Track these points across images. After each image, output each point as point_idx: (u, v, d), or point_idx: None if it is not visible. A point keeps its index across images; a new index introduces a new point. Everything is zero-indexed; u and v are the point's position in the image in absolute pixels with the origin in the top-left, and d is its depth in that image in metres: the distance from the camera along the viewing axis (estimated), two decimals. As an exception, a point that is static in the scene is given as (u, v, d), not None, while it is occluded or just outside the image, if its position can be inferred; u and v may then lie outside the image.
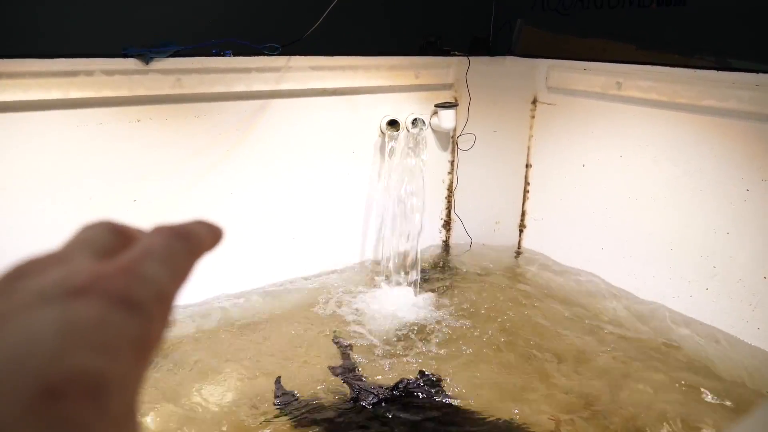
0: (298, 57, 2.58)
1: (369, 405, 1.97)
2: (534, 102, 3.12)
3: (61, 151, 2.21)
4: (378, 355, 2.33)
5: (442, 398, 2.03)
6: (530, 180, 3.25)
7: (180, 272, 0.30)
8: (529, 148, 3.21)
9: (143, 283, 0.27)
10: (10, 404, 0.21)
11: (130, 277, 0.27)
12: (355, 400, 2.00)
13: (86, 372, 0.22)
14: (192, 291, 2.61)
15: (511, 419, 1.95)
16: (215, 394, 2.06)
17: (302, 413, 1.95)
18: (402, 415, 1.93)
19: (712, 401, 2.06)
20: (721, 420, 1.96)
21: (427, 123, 3.01)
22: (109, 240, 0.31)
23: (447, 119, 3.03)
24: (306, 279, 2.93)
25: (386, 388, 2.05)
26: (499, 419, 1.94)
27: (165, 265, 0.29)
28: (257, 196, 2.70)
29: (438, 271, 3.14)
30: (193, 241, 0.33)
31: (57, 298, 0.24)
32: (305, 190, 2.83)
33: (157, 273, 0.28)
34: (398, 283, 2.96)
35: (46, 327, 0.23)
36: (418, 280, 2.96)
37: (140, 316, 0.26)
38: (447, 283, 3.00)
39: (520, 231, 3.36)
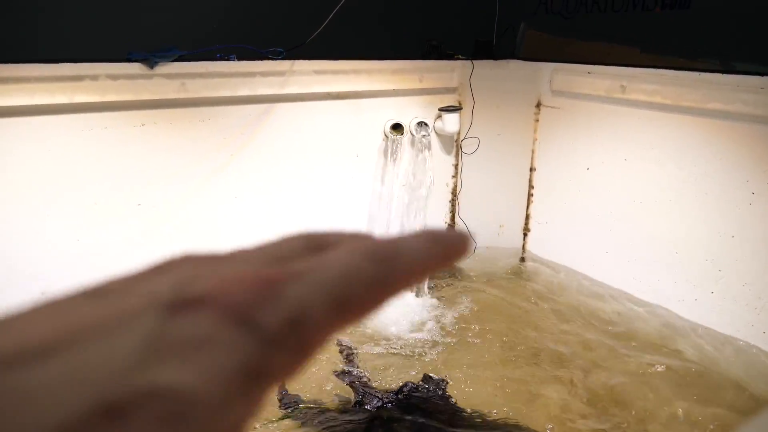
0: (302, 61, 2.58)
1: (373, 408, 1.97)
2: (538, 105, 3.12)
3: (65, 155, 2.21)
4: (382, 358, 2.33)
5: (447, 402, 2.03)
6: (534, 184, 3.24)
7: (356, 303, 0.23)
8: (533, 151, 3.20)
9: (278, 302, 0.21)
10: (61, 423, 0.17)
11: (262, 291, 0.21)
12: (359, 403, 2.00)
13: (163, 388, 0.18)
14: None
15: (517, 423, 1.94)
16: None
17: (306, 416, 1.95)
18: (406, 418, 1.92)
19: (718, 405, 2.04)
20: (726, 424, 1.95)
21: (431, 126, 3.01)
22: (296, 251, 0.26)
23: (451, 123, 3.03)
24: (310, 283, 2.92)
25: (390, 392, 2.05)
26: (505, 423, 1.94)
27: (333, 290, 0.22)
28: (261, 200, 2.70)
29: (442, 275, 3.13)
30: (403, 266, 0.24)
31: (164, 306, 0.20)
32: (309, 193, 2.83)
33: (309, 296, 0.22)
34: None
35: (133, 339, 0.19)
36: (422, 284, 2.96)
37: (258, 340, 0.20)
38: (451, 287, 3.00)
39: (525, 235, 3.35)
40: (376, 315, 0.24)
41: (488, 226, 3.37)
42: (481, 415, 1.97)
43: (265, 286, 0.22)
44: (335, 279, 0.22)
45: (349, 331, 2.52)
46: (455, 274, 3.15)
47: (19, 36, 2.18)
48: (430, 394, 2.06)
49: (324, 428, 1.90)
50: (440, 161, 3.22)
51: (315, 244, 0.26)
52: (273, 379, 0.21)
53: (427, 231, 0.26)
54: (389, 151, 2.95)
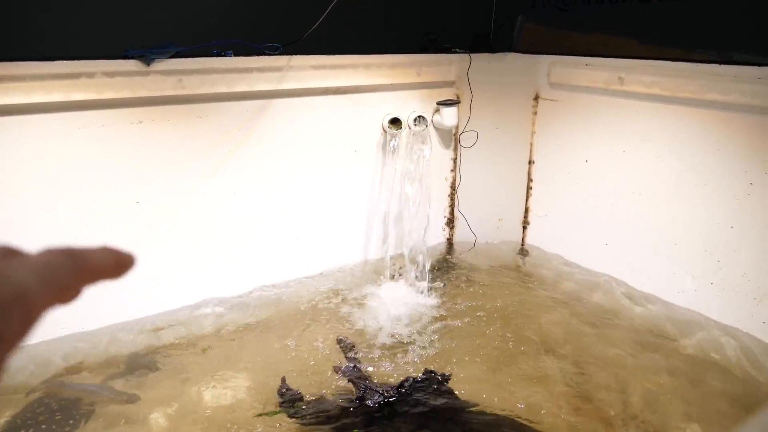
0: (299, 56, 2.58)
1: (374, 404, 1.97)
2: (536, 98, 3.12)
3: (63, 153, 2.21)
4: (383, 353, 2.33)
5: (449, 396, 2.03)
6: (533, 176, 3.24)
7: (63, 283, 0.33)
8: (531, 144, 3.20)
9: (5, 284, 0.30)
10: None
11: None
12: (361, 399, 2.00)
13: None
14: (195, 291, 2.61)
15: (518, 416, 1.94)
16: (221, 395, 2.06)
17: (308, 413, 1.95)
18: (408, 414, 1.92)
19: (718, 396, 2.05)
20: (727, 416, 1.96)
21: (429, 121, 3.00)
22: None
23: (449, 117, 3.03)
24: (310, 278, 2.93)
25: (392, 387, 2.05)
26: (506, 417, 1.94)
27: (44, 275, 0.32)
28: (260, 196, 2.70)
29: (443, 269, 3.14)
30: (87, 259, 0.35)
31: None
32: (308, 189, 2.83)
33: (28, 280, 0.31)
34: (403, 282, 2.96)
35: None
36: (423, 278, 2.96)
37: None
38: (452, 281, 3.00)
39: (524, 228, 3.35)
40: (81, 295, 0.34)
41: (487, 219, 3.37)
42: (483, 410, 1.97)
43: None
44: (44, 267, 0.32)
45: (348, 329, 2.53)
46: (456, 267, 3.16)
47: (14, 34, 2.17)
48: (431, 388, 2.06)
49: (326, 424, 1.90)
50: (439, 155, 3.22)
51: (6, 251, 0.34)
52: (4, 344, 0.29)
53: (107, 246, 0.37)
54: (388, 145, 2.94)
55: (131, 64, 2.24)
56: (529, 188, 3.28)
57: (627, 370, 2.21)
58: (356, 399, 2.01)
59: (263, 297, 2.74)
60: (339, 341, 2.41)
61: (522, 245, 3.37)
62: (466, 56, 3.03)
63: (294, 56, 2.57)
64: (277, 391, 2.08)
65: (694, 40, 2.40)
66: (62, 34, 2.25)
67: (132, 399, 2.01)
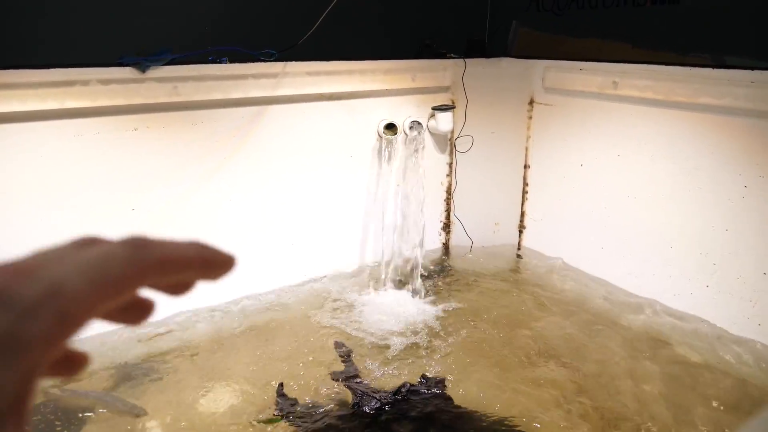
0: (294, 63, 2.58)
1: (371, 410, 1.97)
2: (531, 103, 3.13)
3: (58, 161, 2.20)
4: (379, 359, 2.33)
5: (446, 402, 2.03)
6: (529, 180, 3.25)
7: (112, 279, 0.27)
8: (527, 148, 3.21)
9: (31, 281, 0.26)
10: None
11: (17, 275, 0.26)
12: (358, 405, 2.00)
13: None
14: (191, 298, 2.61)
15: (515, 422, 1.94)
16: (216, 402, 2.06)
17: (304, 420, 1.95)
18: (405, 419, 1.92)
19: (714, 400, 2.05)
20: (723, 419, 1.96)
21: (424, 126, 3.01)
22: (67, 248, 0.29)
23: (444, 122, 3.03)
24: (306, 284, 2.93)
25: (388, 393, 2.05)
26: (503, 422, 1.94)
27: (88, 268, 0.27)
28: (256, 203, 2.70)
29: (439, 274, 3.14)
30: (157, 253, 0.29)
31: None
32: (304, 195, 2.83)
33: (66, 273, 0.26)
34: (399, 287, 2.96)
35: None
36: (419, 284, 2.96)
37: (11, 311, 0.24)
38: (448, 286, 3.00)
39: (520, 232, 3.36)
40: (139, 290, 0.30)
41: (484, 224, 3.37)
42: (481, 415, 1.97)
43: (19, 270, 0.26)
44: (91, 260, 0.27)
45: (344, 335, 2.52)
46: (452, 272, 3.16)
47: (8, 41, 2.17)
48: (428, 394, 2.06)
49: (322, 430, 1.89)
50: (434, 160, 3.22)
51: (86, 242, 0.30)
52: (33, 348, 0.24)
53: (197, 242, 0.31)
54: (383, 151, 2.95)
55: (126, 72, 2.24)
56: (524, 192, 3.28)
57: (626, 374, 2.21)
58: (353, 405, 2.01)
59: (259, 303, 2.74)
60: (336, 347, 2.41)
61: (518, 249, 3.37)
62: (461, 61, 3.04)
63: (289, 62, 2.57)
64: (276, 394, 2.07)
65: (687, 44, 2.41)
66: (56, 42, 2.25)
67: (139, 412, 2.00)
